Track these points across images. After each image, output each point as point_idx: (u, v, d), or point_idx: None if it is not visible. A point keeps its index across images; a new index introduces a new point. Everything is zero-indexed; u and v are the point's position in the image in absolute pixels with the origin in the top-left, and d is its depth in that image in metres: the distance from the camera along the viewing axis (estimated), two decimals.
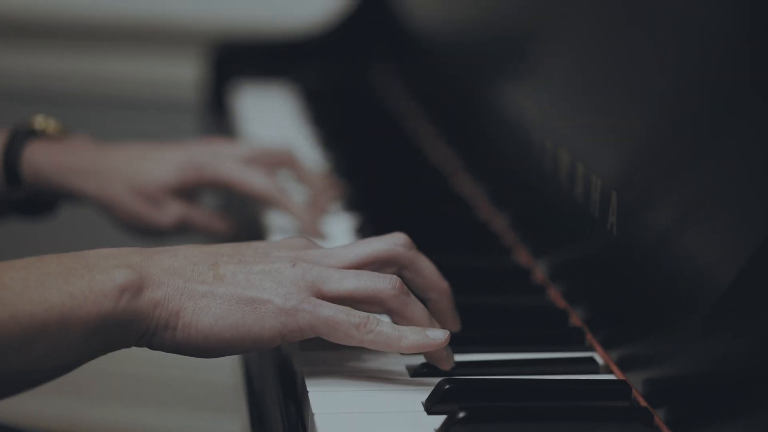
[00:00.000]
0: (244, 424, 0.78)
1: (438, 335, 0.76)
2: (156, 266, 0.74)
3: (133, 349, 0.76)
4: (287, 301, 0.74)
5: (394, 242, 0.80)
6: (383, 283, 0.76)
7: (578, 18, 0.89)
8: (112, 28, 2.21)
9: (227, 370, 1.88)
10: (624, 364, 0.79)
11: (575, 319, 0.88)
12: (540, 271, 0.96)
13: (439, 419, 0.72)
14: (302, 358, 0.80)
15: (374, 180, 1.24)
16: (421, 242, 0.82)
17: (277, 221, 1.08)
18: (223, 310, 0.74)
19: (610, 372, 0.81)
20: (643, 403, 0.75)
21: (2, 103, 2.19)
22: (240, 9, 2.10)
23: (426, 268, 0.81)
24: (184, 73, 2.05)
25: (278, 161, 1.11)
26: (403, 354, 0.80)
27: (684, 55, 0.72)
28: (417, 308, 0.77)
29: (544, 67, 0.97)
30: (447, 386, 0.74)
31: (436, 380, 0.75)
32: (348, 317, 0.75)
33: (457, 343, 0.80)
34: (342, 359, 0.80)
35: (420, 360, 0.79)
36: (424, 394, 0.75)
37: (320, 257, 0.79)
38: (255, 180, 1.06)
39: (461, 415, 0.71)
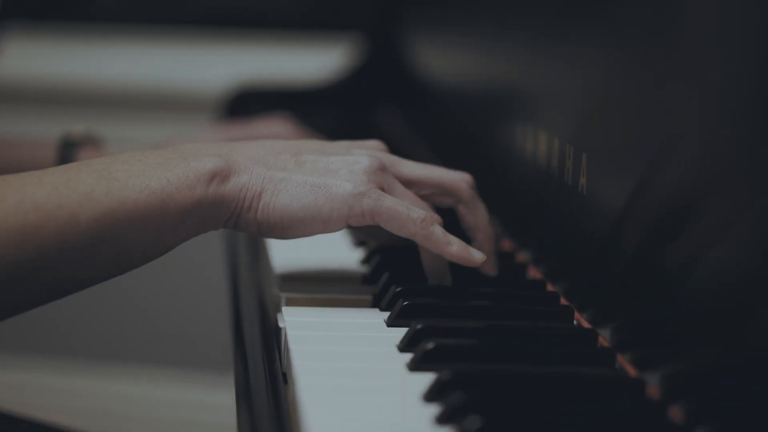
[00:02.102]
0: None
1: (478, 255, 0.83)
2: (242, 154, 0.82)
3: None
4: (356, 187, 0.81)
5: (462, 178, 0.89)
6: (455, 176, 0.86)
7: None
8: (138, 97, 2.28)
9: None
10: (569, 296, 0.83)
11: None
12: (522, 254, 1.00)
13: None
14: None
15: None
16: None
17: None
18: (298, 193, 0.81)
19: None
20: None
21: None
22: (254, 74, 2.17)
23: (480, 209, 0.89)
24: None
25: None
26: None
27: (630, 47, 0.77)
28: (483, 208, 0.88)
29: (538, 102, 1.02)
30: (405, 303, 0.82)
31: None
32: (408, 211, 0.82)
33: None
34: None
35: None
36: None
37: (395, 161, 0.87)
38: None
39: (419, 326, 0.77)
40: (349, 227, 0.89)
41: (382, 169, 0.83)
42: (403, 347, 0.78)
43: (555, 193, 0.92)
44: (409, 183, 0.87)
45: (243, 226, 0.82)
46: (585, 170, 0.85)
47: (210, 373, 2.21)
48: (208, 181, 0.79)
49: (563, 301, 0.88)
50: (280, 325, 0.83)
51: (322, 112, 1.70)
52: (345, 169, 0.82)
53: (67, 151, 1.21)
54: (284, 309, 0.84)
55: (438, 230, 0.82)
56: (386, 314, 0.84)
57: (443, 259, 0.86)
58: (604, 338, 0.80)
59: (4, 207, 0.73)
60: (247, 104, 1.68)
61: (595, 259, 0.84)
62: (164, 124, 2.27)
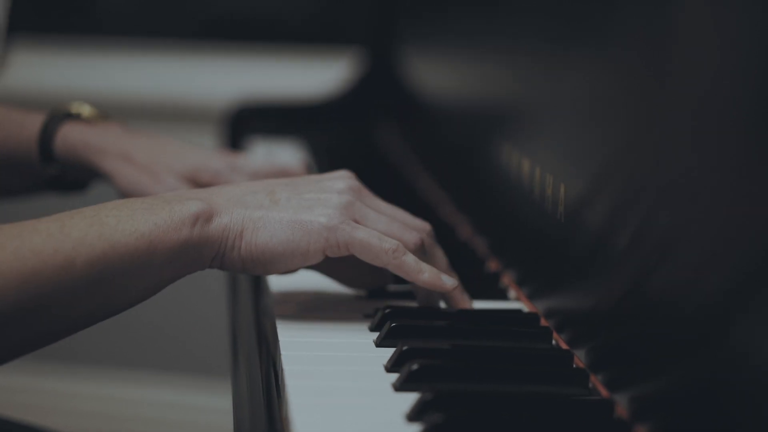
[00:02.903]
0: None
1: (449, 282, 0.88)
2: (222, 197, 0.87)
3: None
4: (330, 220, 0.87)
5: (423, 226, 0.93)
6: (408, 236, 0.89)
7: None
8: (143, 109, 2.32)
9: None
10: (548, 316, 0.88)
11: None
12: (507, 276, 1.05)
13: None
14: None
15: None
16: None
17: None
18: (277, 229, 0.86)
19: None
20: (564, 346, 0.84)
21: None
22: (256, 89, 2.22)
23: (439, 258, 0.93)
24: (205, 143, 2.17)
25: (288, 176, 1.14)
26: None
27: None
28: (441, 256, 0.92)
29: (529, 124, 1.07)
30: (393, 324, 0.87)
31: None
32: (380, 242, 0.87)
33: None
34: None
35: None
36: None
37: (365, 195, 0.91)
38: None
39: (405, 347, 0.83)
40: (313, 267, 0.93)
41: (353, 202, 0.88)
42: (390, 367, 0.83)
43: (537, 218, 0.97)
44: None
45: (228, 265, 0.86)
46: (563, 200, 0.90)
47: (208, 378, 2.26)
48: (193, 223, 0.84)
49: (543, 322, 0.93)
50: (278, 341, 0.88)
51: (321, 128, 1.76)
52: (318, 204, 0.87)
53: (51, 125, 1.14)
54: (279, 329, 0.89)
55: (410, 259, 0.87)
56: (376, 334, 0.89)
57: (436, 296, 0.92)
58: (580, 359, 0.85)
59: (4, 254, 0.77)
60: (247, 121, 1.74)
61: (573, 284, 0.89)
62: (168, 135, 2.31)
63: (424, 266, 0.88)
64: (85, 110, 1.17)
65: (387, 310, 0.91)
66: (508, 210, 1.08)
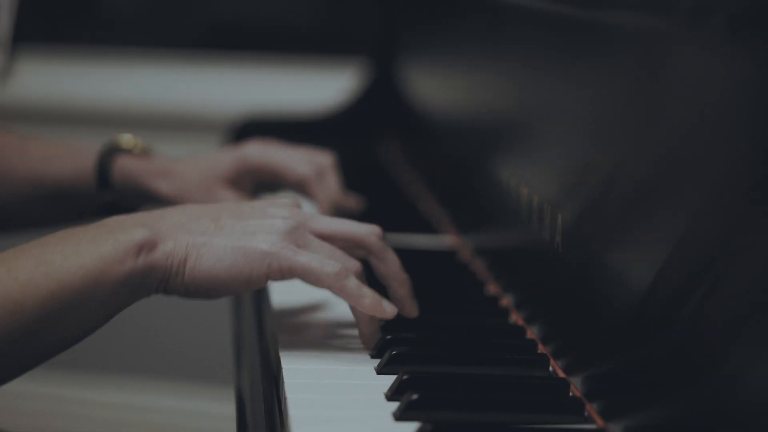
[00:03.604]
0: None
1: (389, 308, 0.90)
2: (165, 223, 0.88)
3: None
4: (272, 246, 0.88)
5: (370, 230, 0.94)
6: (348, 263, 0.90)
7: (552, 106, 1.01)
8: (148, 119, 2.34)
9: None
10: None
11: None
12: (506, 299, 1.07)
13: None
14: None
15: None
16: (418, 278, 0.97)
17: None
18: (220, 256, 0.87)
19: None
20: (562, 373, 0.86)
21: None
22: (259, 99, 2.24)
23: (391, 259, 0.94)
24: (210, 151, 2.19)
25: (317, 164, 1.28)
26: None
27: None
28: (393, 257, 0.93)
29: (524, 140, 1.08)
30: (393, 352, 0.89)
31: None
32: (321, 265, 0.88)
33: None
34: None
35: None
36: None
37: (308, 218, 0.92)
38: (298, 166, 1.24)
39: (405, 377, 0.84)
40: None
41: (296, 227, 0.90)
42: (391, 396, 0.84)
43: (535, 246, 0.99)
44: (322, 238, 0.92)
45: (172, 290, 0.88)
46: (560, 230, 0.92)
47: (212, 384, 2.28)
48: (137, 252, 0.85)
49: (541, 348, 0.95)
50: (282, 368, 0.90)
51: (324, 143, 1.77)
52: (261, 230, 0.89)
53: (106, 157, 1.24)
54: (282, 357, 0.91)
55: (351, 283, 0.88)
56: (377, 361, 0.91)
57: (376, 322, 0.93)
58: (576, 387, 0.87)
59: None
60: (251, 136, 1.75)
61: (569, 313, 0.90)
62: (175, 145, 2.33)
63: (366, 291, 0.89)
64: (138, 143, 1.27)
65: (388, 337, 0.92)
66: (508, 235, 1.09)
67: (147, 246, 0.86)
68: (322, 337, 0.96)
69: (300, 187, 1.26)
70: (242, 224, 0.89)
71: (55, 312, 0.82)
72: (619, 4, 0.84)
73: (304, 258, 0.88)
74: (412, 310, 0.95)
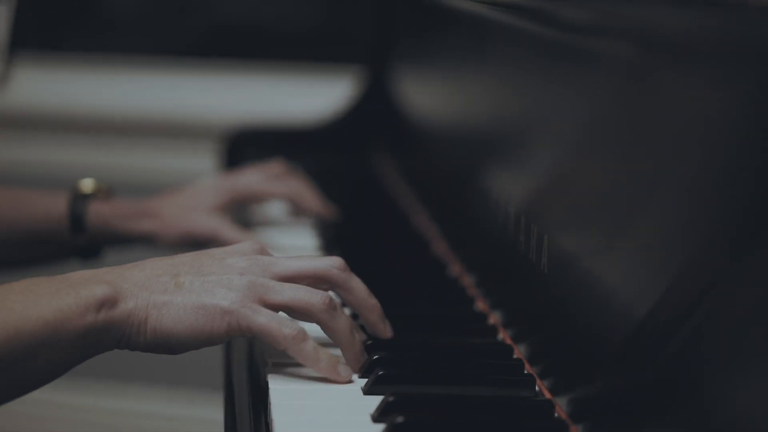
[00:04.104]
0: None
1: (344, 372, 0.91)
2: (127, 281, 0.89)
3: None
4: (232, 305, 0.89)
5: (331, 264, 0.95)
6: (315, 298, 0.91)
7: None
8: (144, 126, 2.35)
9: None
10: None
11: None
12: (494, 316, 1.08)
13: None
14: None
15: (367, 248, 1.37)
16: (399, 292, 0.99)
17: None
18: (180, 315, 0.89)
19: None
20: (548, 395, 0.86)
21: (50, 189, 2.34)
22: (254, 106, 2.25)
23: (356, 288, 0.95)
24: (205, 163, 2.20)
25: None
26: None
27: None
28: (341, 322, 0.92)
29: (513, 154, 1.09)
30: (380, 372, 0.90)
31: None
32: (279, 327, 0.89)
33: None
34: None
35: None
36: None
37: (268, 264, 0.93)
38: (276, 187, 1.38)
39: (391, 399, 0.85)
40: None
41: (254, 281, 0.90)
42: (377, 417, 0.85)
43: (522, 266, 0.99)
44: (285, 279, 0.93)
45: (134, 347, 0.89)
46: (546, 251, 0.93)
47: (201, 390, 2.29)
48: (98, 308, 0.86)
49: (527, 368, 0.96)
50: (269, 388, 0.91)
51: (318, 154, 1.78)
52: (220, 286, 0.89)
53: (78, 204, 1.33)
54: (269, 378, 0.92)
55: (308, 346, 0.89)
56: (364, 381, 0.92)
57: (358, 345, 0.94)
58: (561, 408, 0.88)
59: None
60: (243, 148, 1.76)
61: (554, 334, 0.91)
62: (171, 152, 2.34)
63: (322, 354, 0.90)
64: (101, 187, 1.35)
65: (375, 356, 0.93)
66: (496, 252, 1.10)
67: (108, 303, 0.87)
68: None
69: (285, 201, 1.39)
70: (201, 280, 0.90)
71: (9, 358, 0.84)
72: (601, 32, 0.85)
73: (262, 319, 0.89)
74: (386, 332, 0.97)
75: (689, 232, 0.71)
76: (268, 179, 1.39)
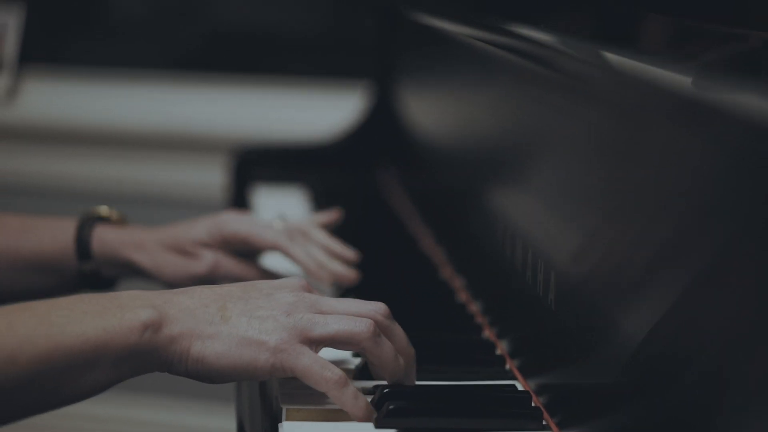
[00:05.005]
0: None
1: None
2: (174, 307, 0.90)
3: None
4: (279, 343, 0.89)
5: (375, 309, 0.95)
6: (360, 326, 0.92)
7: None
8: (153, 139, 2.37)
9: None
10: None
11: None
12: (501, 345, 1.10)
13: None
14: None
15: (372, 267, 1.39)
16: (407, 316, 0.99)
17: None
18: (225, 349, 0.89)
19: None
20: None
21: (58, 202, 2.36)
22: (261, 123, 2.27)
23: (398, 335, 0.96)
24: (214, 177, 2.22)
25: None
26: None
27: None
28: (386, 349, 0.93)
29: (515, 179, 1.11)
30: (391, 406, 0.91)
31: None
32: (322, 371, 0.89)
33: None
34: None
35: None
36: None
37: (314, 302, 0.94)
38: (266, 233, 1.24)
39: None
40: None
41: (301, 317, 0.91)
42: None
43: (529, 299, 1.01)
44: None
45: (175, 372, 0.90)
46: (553, 287, 0.95)
47: (210, 401, 2.30)
48: (141, 331, 0.88)
49: (535, 401, 0.98)
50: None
51: (325, 173, 1.80)
52: (268, 321, 0.90)
53: (85, 230, 1.29)
54: (284, 424, 0.93)
55: (348, 391, 0.90)
56: (375, 414, 0.94)
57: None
58: None
59: None
60: (251, 166, 1.78)
61: (561, 369, 0.93)
62: (179, 166, 2.36)
63: (361, 402, 0.90)
64: (114, 213, 1.31)
65: (386, 390, 0.95)
66: (503, 283, 1.12)
67: (152, 327, 0.88)
68: (320, 394, 0.98)
69: (274, 250, 1.27)
70: (249, 315, 0.91)
71: (49, 371, 0.85)
72: (599, 69, 0.87)
73: (306, 360, 0.89)
74: (412, 382, 0.97)
75: (694, 270, 0.73)
76: (290, 238, 1.26)
